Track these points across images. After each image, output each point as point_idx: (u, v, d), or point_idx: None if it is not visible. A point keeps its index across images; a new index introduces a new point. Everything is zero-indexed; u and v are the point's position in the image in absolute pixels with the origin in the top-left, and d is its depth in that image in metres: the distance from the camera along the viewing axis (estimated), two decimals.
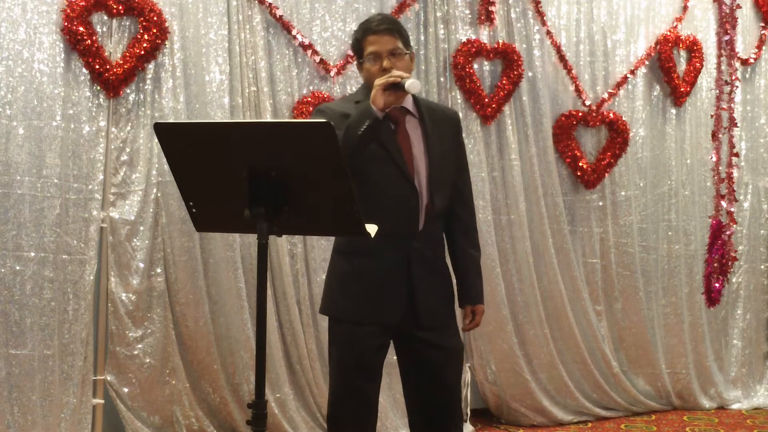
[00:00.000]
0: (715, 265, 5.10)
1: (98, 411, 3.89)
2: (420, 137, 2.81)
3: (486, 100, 4.64)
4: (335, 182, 2.14)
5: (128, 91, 3.89)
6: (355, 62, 2.97)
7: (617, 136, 4.99)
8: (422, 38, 4.59)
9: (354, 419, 2.80)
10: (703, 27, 5.32)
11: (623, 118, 5.02)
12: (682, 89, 5.17)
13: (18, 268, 3.64)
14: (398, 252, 2.75)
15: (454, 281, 2.96)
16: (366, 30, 2.81)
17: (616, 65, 5.06)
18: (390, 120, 2.76)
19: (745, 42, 5.44)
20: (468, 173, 3.01)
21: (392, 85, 2.60)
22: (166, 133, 2.20)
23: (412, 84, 2.61)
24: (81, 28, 3.72)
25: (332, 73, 4.31)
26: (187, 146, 2.20)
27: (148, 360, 3.92)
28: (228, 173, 2.15)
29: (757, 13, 5.50)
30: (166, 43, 3.92)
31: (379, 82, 2.62)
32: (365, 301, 2.77)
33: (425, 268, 2.79)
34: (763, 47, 5.50)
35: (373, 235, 2.35)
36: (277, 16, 4.18)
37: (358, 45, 2.84)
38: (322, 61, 4.28)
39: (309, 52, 4.25)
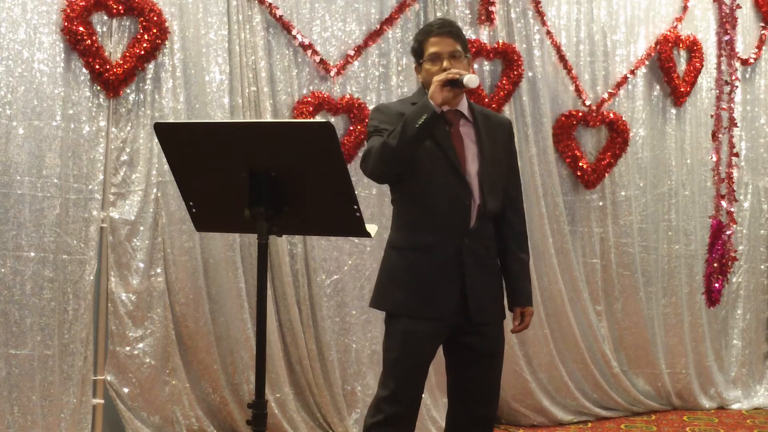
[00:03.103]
0: (715, 265, 5.09)
1: (98, 411, 3.89)
2: (473, 140, 2.86)
3: (486, 100, 4.64)
4: (335, 182, 2.14)
5: (128, 91, 3.88)
6: (414, 64, 2.99)
7: (617, 136, 4.99)
8: None
9: (401, 422, 2.80)
10: (703, 27, 5.31)
11: (623, 118, 5.01)
12: (682, 89, 5.17)
13: (18, 268, 3.64)
14: (451, 248, 2.78)
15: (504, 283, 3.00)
16: (428, 32, 2.87)
17: (616, 65, 5.06)
18: (445, 122, 2.80)
19: (745, 42, 5.44)
20: (519, 179, 3.04)
21: (450, 81, 2.64)
22: (166, 133, 2.20)
23: (470, 79, 2.64)
24: (81, 28, 3.71)
25: (332, 73, 4.31)
26: (187, 146, 2.20)
27: (148, 360, 3.92)
28: (228, 173, 2.15)
29: (757, 13, 5.50)
30: (166, 43, 3.92)
31: (437, 78, 2.67)
32: (417, 293, 2.79)
33: (477, 265, 2.82)
34: (763, 47, 5.50)
35: (372, 235, 2.35)
36: (277, 16, 4.18)
37: (419, 47, 2.89)
38: (322, 61, 4.28)
39: (309, 52, 4.25)
